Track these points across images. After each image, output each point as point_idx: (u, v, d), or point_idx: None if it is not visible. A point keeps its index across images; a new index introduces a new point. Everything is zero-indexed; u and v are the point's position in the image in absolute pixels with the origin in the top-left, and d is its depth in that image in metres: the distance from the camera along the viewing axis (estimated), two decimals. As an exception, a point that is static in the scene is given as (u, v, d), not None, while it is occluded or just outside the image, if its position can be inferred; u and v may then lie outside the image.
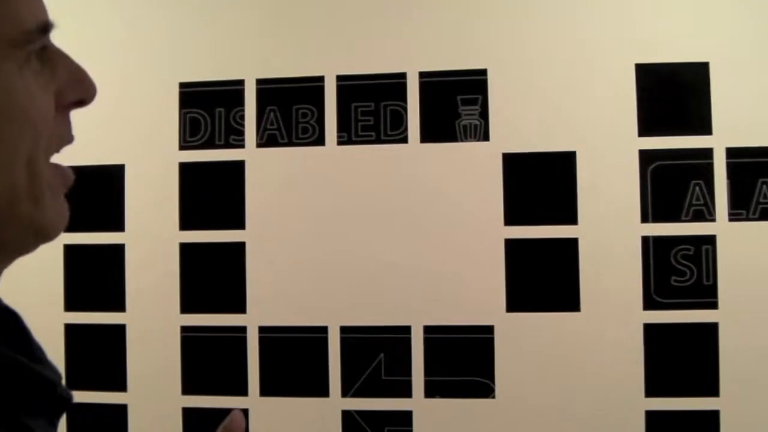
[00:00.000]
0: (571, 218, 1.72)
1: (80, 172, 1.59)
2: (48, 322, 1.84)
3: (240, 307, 1.79)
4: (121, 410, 1.81)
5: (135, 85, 1.85)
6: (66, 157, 1.57)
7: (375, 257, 1.77)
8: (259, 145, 1.80)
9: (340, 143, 1.78)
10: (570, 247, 1.71)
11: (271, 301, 1.79)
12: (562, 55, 1.74)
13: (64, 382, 0.59)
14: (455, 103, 1.76)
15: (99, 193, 1.85)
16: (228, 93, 1.82)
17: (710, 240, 1.68)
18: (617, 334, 1.70)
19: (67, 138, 0.60)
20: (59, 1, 1.71)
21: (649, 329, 1.69)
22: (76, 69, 0.60)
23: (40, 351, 0.60)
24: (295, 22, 1.82)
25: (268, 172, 1.80)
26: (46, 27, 0.56)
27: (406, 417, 1.74)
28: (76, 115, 1.54)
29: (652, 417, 1.68)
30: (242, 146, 1.81)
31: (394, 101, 1.77)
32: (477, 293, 1.74)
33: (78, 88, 0.60)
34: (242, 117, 1.81)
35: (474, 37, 1.77)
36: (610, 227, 1.70)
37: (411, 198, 1.76)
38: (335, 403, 1.76)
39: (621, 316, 1.70)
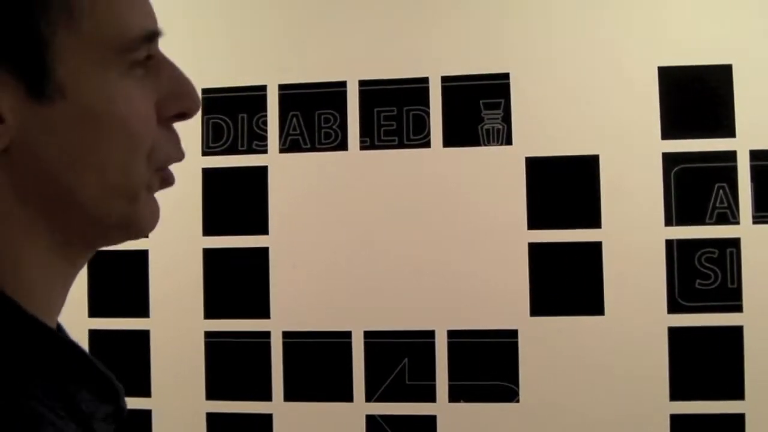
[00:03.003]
0: (595, 222, 1.84)
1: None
2: (72, 328, 1.96)
3: (264, 312, 1.93)
4: (146, 416, 1.95)
5: (158, 91, 1.98)
6: None
7: (398, 262, 1.90)
8: (282, 150, 1.94)
9: (362, 148, 1.92)
10: (594, 250, 1.84)
11: (294, 305, 1.93)
12: (584, 59, 1.87)
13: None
14: (478, 108, 1.89)
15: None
16: (251, 98, 1.96)
17: (734, 243, 1.80)
18: (641, 337, 1.82)
19: (175, 154, 0.65)
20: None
21: (674, 333, 1.81)
22: (180, 80, 0.64)
23: (95, 366, 0.64)
24: (318, 28, 1.96)
25: (291, 177, 1.94)
26: (152, 35, 0.60)
27: (430, 421, 1.87)
28: None
29: (677, 421, 1.80)
30: (265, 152, 1.95)
31: (417, 106, 1.91)
32: (501, 297, 1.87)
33: (180, 100, 0.63)
34: (265, 122, 1.95)
35: (496, 41, 1.90)
36: (633, 231, 1.83)
37: (434, 203, 1.89)
38: (359, 408, 1.90)
39: (645, 320, 1.82)
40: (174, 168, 1.79)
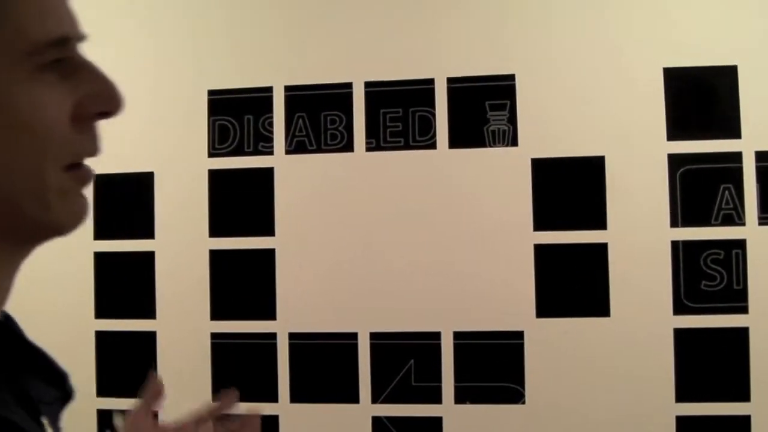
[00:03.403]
0: (601, 223, 1.86)
1: (110, 179, 1.77)
2: (78, 329, 2.02)
3: (270, 313, 1.96)
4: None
5: (164, 93, 2.03)
6: (96, 165, 1.77)
7: (404, 263, 1.92)
8: (288, 151, 1.97)
9: (368, 149, 1.94)
10: (599, 252, 1.86)
11: (300, 307, 1.95)
12: (590, 60, 1.89)
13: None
14: (483, 109, 1.91)
15: (129, 201, 2.03)
16: (257, 100, 1.99)
17: (740, 244, 1.83)
18: (647, 338, 1.84)
19: (89, 149, 0.65)
20: (90, 12, 1.89)
21: (680, 334, 1.83)
22: (101, 81, 0.64)
23: (41, 353, 0.69)
24: (323, 29, 1.98)
25: (297, 178, 1.97)
26: (61, 40, 0.60)
27: (436, 423, 1.90)
28: (107, 125, 1.72)
29: (683, 422, 1.82)
30: (271, 153, 1.97)
31: (423, 107, 1.93)
32: (506, 299, 1.89)
33: (102, 100, 0.64)
34: (271, 124, 1.98)
35: (502, 43, 1.92)
36: (639, 232, 1.85)
37: (440, 204, 1.92)
38: (365, 410, 1.92)
39: (651, 321, 1.84)
40: (180, 169, 1.82)
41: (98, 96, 0.64)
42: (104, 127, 1.70)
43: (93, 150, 0.65)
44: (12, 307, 1.93)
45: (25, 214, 0.60)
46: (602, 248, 1.86)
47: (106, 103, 0.64)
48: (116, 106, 0.65)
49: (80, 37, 0.64)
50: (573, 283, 1.88)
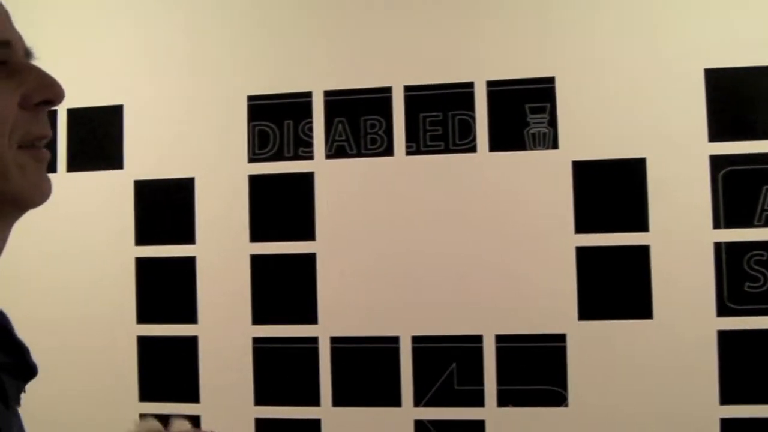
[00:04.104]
0: (642, 225, 1.89)
1: (151, 185, 1.82)
2: (120, 334, 2.07)
3: (311, 317, 2.01)
4: (195, 421, 2.02)
5: (204, 99, 2.08)
6: (137, 171, 1.85)
7: (445, 267, 1.96)
8: (328, 156, 2.01)
9: (408, 153, 1.99)
10: (641, 254, 1.89)
11: (342, 311, 2.00)
12: (630, 61, 1.92)
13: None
14: (523, 112, 1.95)
15: (170, 207, 2.08)
16: (296, 105, 2.04)
17: (784, 245, 1.85)
18: (690, 341, 1.87)
19: (39, 131, 0.77)
20: (130, 19, 1.94)
21: (723, 336, 1.86)
22: (42, 75, 0.76)
23: (21, 347, 0.79)
24: (362, 34, 2.03)
25: (338, 183, 2.01)
26: (3, 44, 0.73)
27: (478, 426, 1.94)
28: (149, 131, 1.80)
29: (727, 425, 1.85)
30: (311, 158, 2.02)
31: (463, 111, 1.97)
32: (548, 301, 1.92)
33: (44, 91, 0.76)
34: (311, 129, 2.02)
35: (541, 46, 1.96)
36: (681, 234, 1.88)
37: (480, 207, 1.96)
38: (408, 413, 1.96)
39: (694, 323, 1.87)
40: (220, 174, 1.88)
41: (41, 87, 0.75)
42: (147, 134, 1.79)
43: (43, 130, 0.77)
44: (54, 313, 1.99)
45: None
46: (644, 250, 1.89)
47: (48, 92, 0.76)
48: (56, 94, 0.77)
49: (25, 51, 0.78)
50: (615, 286, 1.90)
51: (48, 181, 0.77)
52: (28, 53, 0.78)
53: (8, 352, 0.76)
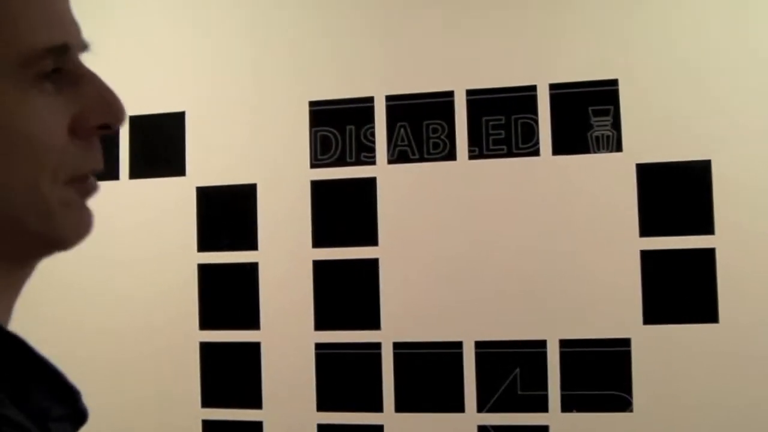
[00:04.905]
0: (708, 228, 2.18)
1: (214, 192, 2.23)
2: (183, 341, 2.45)
3: (374, 323, 2.35)
4: (257, 427, 2.39)
5: (266, 105, 2.46)
6: (199, 178, 2.25)
7: (508, 271, 2.28)
8: (390, 161, 2.36)
9: (471, 158, 2.32)
10: (707, 257, 2.18)
11: (405, 316, 2.33)
12: (693, 62, 2.22)
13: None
14: (587, 115, 2.26)
15: (232, 213, 2.46)
16: (358, 110, 2.39)
17: None
18: (758, 345, 2.14)
19: (90, 163, 0.73)
20: (191, 26, 2.33)
21: (792, 340, 2.14)
22: (103, 92, 0.72)
23: (57, 372, 0.72)
24: (423, 38, 2.37)
25: (400, 188, 2.36)
26: (59, 49, 0.68)
27: (543, 432, 2.25)
28: (211, 137, 2.21)
29: (797, 431, 2.12)
30: (373, 163, 2.38)
31: (525, 114, 2.30)
32: (613, 306, 2.22)
33: (103, 112, 0.72)
34: (373, 134, 2.38)
35: (604, 48, 2.27)
36: (747, 236, 2.16)
37: (544, 211, 2.27)
38: (471, 419, 2.28)
39: (761, 327, 2.14)
40: (283, 180, 2.28)
41: (98, 108, 0.71)
42: (210, 141, 2.21)
43: (95, 164, 0.74)
44: (117, 321, 2.36)
45: (27, 228, 0.68)
46: (710, 253, 2.17)
47: (107, 115, 0.72)
48: (118, 118, 0.73)
49: (81, 46, 0.72)
50: (680, 289, 2.18)
51: (90, 215, 0.74)
52: (83, 46, 0.73)
53: (60, 399, 0.70)
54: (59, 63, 0.68)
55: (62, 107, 0.68)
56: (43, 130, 0.67)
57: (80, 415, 0.73)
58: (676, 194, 2.22)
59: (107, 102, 0.72)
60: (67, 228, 0.71)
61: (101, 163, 0.74)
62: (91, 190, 0.74)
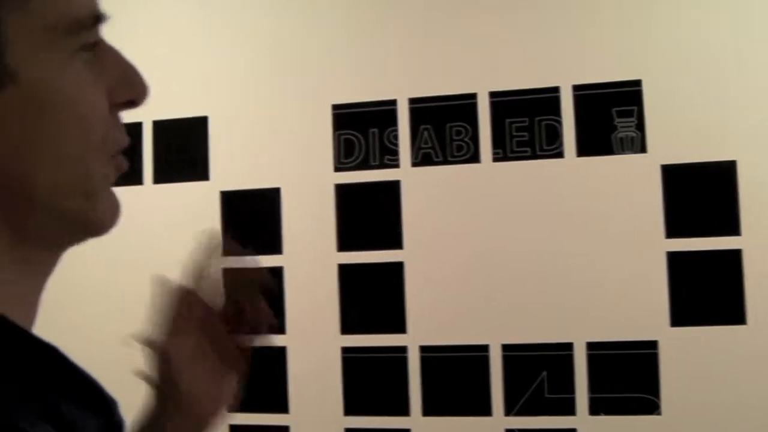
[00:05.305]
0: (734, 229, 2.19)
1: (238, 196, 2.24)
2: (209, 346, 2.45)
3: (400, 326, 2.37)
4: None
5: (288, 109, 2.48)
6: (223, 182, 2.26)
7: (534, 274, 2.30)
8: (414, 164, 2.38)
9: (495, 160, 2.33)
10: (734, 258, 2.19)
11: (431, 320, 2.35)
12: (717, 62, 2.23)
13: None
14: (611, 116, 2.28)
15: (256, 217, 2.48)
16: (381, 113, 2.41)
17: None
18: (786, 346, 2.16)
19: (121, 140, 0.73)
20: (214, 30, 2.34)
21: (821, 341, 2.15)
22: (128, 66, 0.72)
23: (94, 383, 0.70)
24: (446, 40, 2.39)
25: (424, 190, 2.37)
26: (98, 18, 0.67)
27: (570, 435, 2.27)
28: (234, 141, 2.22)
29: (827, 432, 2.14)
30: (397, 166, 2.39)
31: (549, 116, 2.31)
32: (639, 308, 2.23)
33: (129, 88, 0.72)
34: (396, 137, 2.40)
35: (627, 48, 2.28)
36: (775, 237, 2.17)
37: (569, 213, 2.28)
38: (498, 422, 2.30)
39: (790, 328, 2.16)
40: (306, 184, 2.31)
41: (125, 83, 0.71)
42: (233, 146, 2.21)
43: (124, 140, 0.73)
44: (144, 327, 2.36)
45: (68, 207, 0.67)
46: (736, 254, 2.18)
47: (134, 90, 0.72)
48: (143, 94, 0.73)
49: (106, 18, 0.69)
50: (707, 291, 2.19)
51: (119, 202, 0.73)
52: (99, 18, 0.69)
53: (96, 411, 0.68)
54: (90, 37, 0.67)
55: (98, 79, 0.68)
56: (91, 101, 0.67)
57: (117, 426, 0.71)
58: (702, 195, 2.22)
59: (132, 78, 0.72)
60: (106, 210, 0.71)
61: (128, 140, 0.74)
62: (123, 166, 0.73)
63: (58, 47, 0.64)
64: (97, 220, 0.70)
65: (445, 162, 2.37)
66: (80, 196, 0.67)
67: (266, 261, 2.44)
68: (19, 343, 0.62)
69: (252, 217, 2.49)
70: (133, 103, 0.73)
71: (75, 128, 0.65)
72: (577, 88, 2.30)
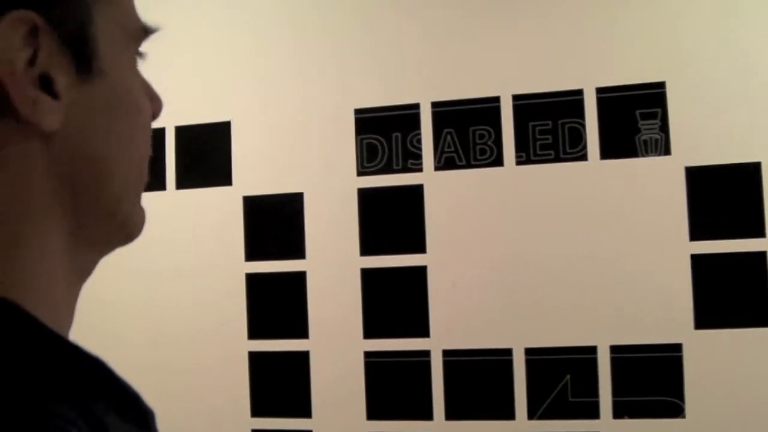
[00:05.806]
0: (759, 231, 2.20)
1: (260, 200, 2.27)
2: (231, 350, 2.50)
3: (423, 330, 2.39)
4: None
5: (311, 113, 2.50)
6: (246, 187, 2.29)
7: (558, 277, 2.31)
8: (437, 168, 2.40)
9: (518, 163, 2.35)
10: (759, 260, 2.20)
11: (454, 324, 2.37)
12: (741, 63, 2.24)
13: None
14: (634, 118, 2.29)
15: (279, 222, 2.50)
16: (404, 117, 2.43)
17: None
18: (812, 348, 2.17)
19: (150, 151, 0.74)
20: (236, 35, 2.36)
21: None
22: (148, 84, 0.73)
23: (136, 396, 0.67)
24: (468, 44, 2.41)
25: (447, 194, 2.39)
26: (149, 30, 0.70)
27: (594, 439, 2.28)
28: (257, 146, 2.24)
29: None
30: (420, 170, 2.41)
31: (572, 118, 2.33)
32: (663, 310, 2.24)
33: (155, 101, 0.73)
34: (419, 141, 2.42)
35: (650, 50, 2.30)
36: (800, 239, 2.18)
37: (592, 216, 2.30)
38: (522, 426, 2.31)
39: (816, 331, 2.17)
40: (329, 188, 2.37)
41: (151, 97, 0.73)
42: (253, 150, 2.22)
43: (150, 151, 0.74)
44: (165, 330, 2.41)
45: (121, 210, 0.67)
46: (761, 257, 2.19)
47: (157, 104, 0.74)
48: (161, 107, 0.75)
49: (156, 30, 0.73)
50: (732, 293, 2.20)
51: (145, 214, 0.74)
52: (152, 29, 0.73)
53: (139, 423, 0.66)
54: (141, 46, 0.69)
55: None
56: (148, 108, 0.69)
57: (149, 416, 0.68)
58: (726, 197, 2.23)
59: (154, 91, 0.74)
60: (139, 218, 0.71)
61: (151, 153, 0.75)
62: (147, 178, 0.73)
63: (129, 52, 0.66)
64: (134, 226, 0.71)
65: (469, 166, 2.38)
66: (134, 199, 0.69)
67: (289, 266, 2.46)
68: (66, 355, 0.61)
69: (275, 222, 2.51)
70: (153, 115, 0.74)
71: (143, 131, 0.68)
72: (600, 90, 2.32)
